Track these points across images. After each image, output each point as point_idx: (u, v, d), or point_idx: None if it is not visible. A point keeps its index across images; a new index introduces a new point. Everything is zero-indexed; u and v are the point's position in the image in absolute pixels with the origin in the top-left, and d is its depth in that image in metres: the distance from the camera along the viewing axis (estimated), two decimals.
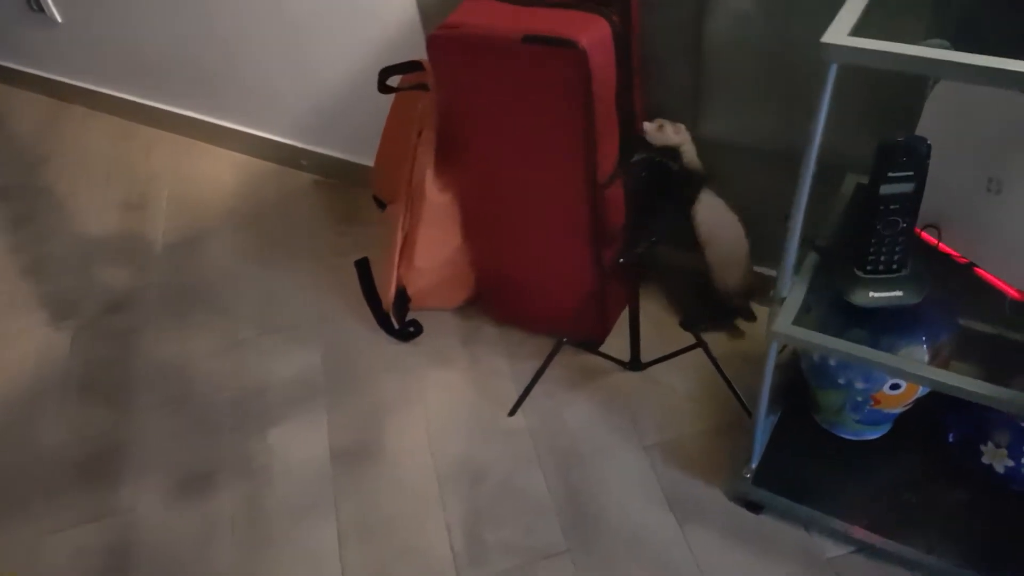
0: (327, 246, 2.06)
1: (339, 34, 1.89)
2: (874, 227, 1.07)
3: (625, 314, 1.70)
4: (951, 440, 1.36)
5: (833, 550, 1.33)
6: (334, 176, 2.25)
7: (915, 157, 1.01)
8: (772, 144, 1.49)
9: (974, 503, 1.30)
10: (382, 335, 1.79)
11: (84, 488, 1.59)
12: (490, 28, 1.30)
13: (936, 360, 1.14)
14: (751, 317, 1.70)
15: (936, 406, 1.33)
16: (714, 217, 1.54)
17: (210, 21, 2.10)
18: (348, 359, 1.77)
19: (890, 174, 1.03)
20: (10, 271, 2.14)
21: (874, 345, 1.11)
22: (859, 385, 1.29)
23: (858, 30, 0.89)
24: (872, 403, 1.31)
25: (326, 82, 2.03)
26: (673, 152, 1.47)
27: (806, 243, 1.22)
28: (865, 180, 1.29)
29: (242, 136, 2.36)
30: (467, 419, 1.61)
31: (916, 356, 1.13)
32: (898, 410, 1.35)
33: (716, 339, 1.67)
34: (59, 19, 2.46)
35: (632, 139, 1.34)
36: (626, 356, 1.64)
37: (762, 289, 1.65)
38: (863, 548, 1.33)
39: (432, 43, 1.36)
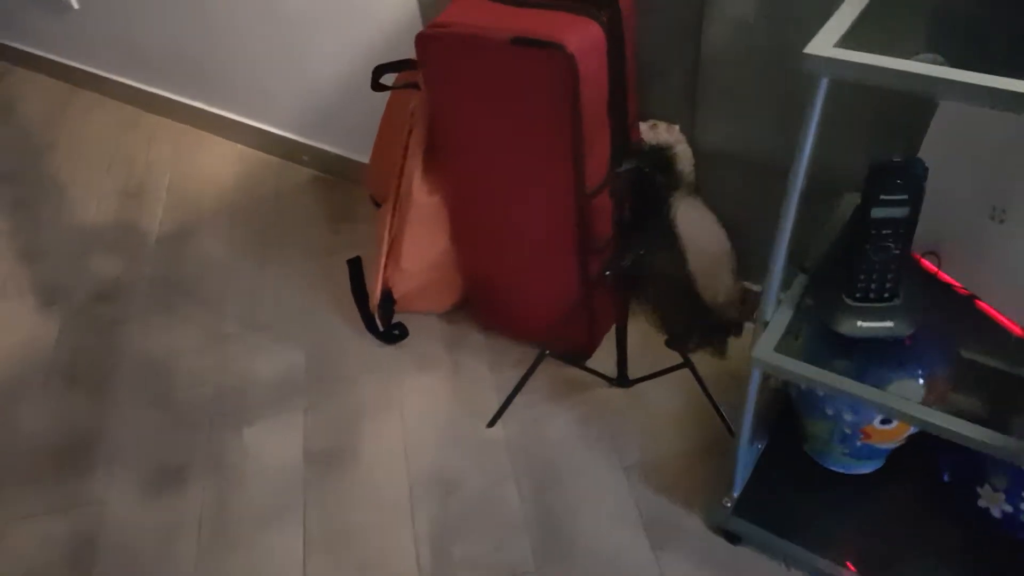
0: (321, 243, 2.03)
1: (340, 30, 1.86)
2: (864, 252, 1.01)
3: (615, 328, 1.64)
4: (946, 480, 1.29)
5: None
6: (334, 172, 2.22)
7: (910, 179, 0.95)
8: (770, 158, 1.43)
9: (968, 548, 1.23)
10: (368, 336, 1.75)
11: (58, 476, 1.57)
12: (479, 28, 1.25)
13: (933, 396, 1.08)
14: (739, 332, 1.64)
15: (931, 443, 1.25)
16: (695, 224, 1.49)
17: (216, 13, 2.08)
18: (331, 359, 1.73)
19: (883, 196, 0.96)
20: (6, 255, 2.14)
21: (864, 377, 1.05)
22: (847, 417, 1.23)
23: (849, 41, 0.83)
24: (861, 437, 1.25)
25: (327, 78, 2.00)
26: (666, 154, 1.42)
27: (795, 264, 1.16)
28: None
29: (245, 128, 2.35)
30: (445, 427, 1.57)
31: (910, 391, 1.07)
32: (890, 445, 1.28)
33: (705, 357, 1.61)
34: (75, 5, 2.46)
35: (624, 147, 1.28)
36: (614, 371, 1.58)
37: (753, 306, 1.58)
38: None
39: (420, 42, 1.32)
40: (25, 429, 1.67)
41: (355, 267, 1.81)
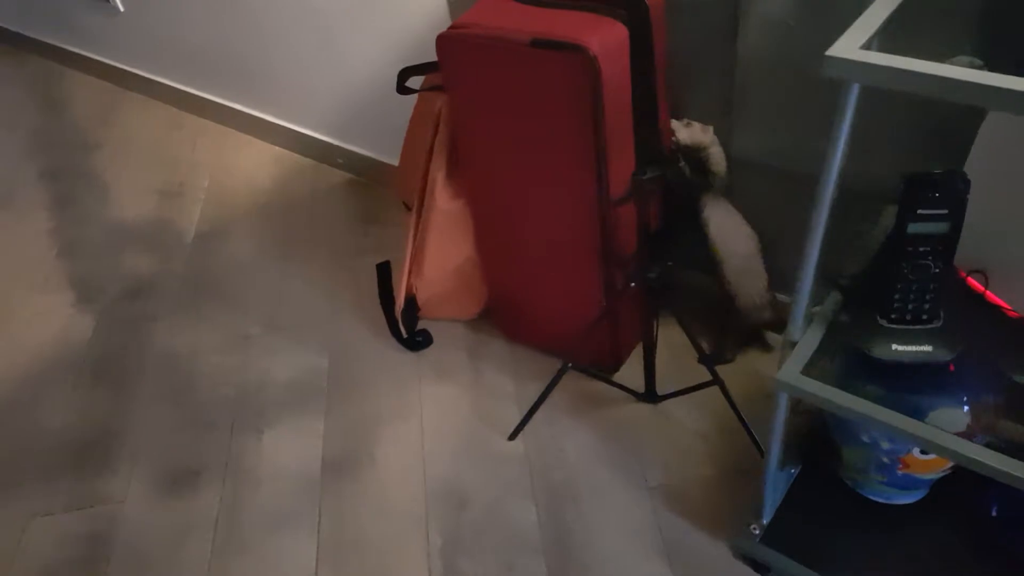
0: (350, 246, 2.01)
1: (375, 31, 1.85)
2: (900, 270, 0.93)
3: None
4: (995, 515, 1.19)
5: None
6: (367, 175, 2.21)
7: (949, 193, 0.87)
8: (808, 166, 1.35)
9: None
10: (391, 342, 1.72)
11: (78, 473, 1.58)
12: (500, 29, 1.21)
13: (979, 424, 0.99)
14: (781, 330, 1.56)
15: (979, 474, 1.17)
16: (726, 226, 1.43)
17: (254, 16, 2.09)
18: (352, 364, 1.70)
19: (920, 211, 0.89)
20: (48, 251, 2.18)
21: (902, 404, 0.97)
22: (885, 446, 1.14)
23: (878, 42, 0.76)
24: (900, 466, 1.16)
25: (362, 81, 1.99)
26: (699, 154, 1.35)
27: (829, 280, 1.09)
28: None
29: (282, 130, 2.35)
30: (464, 439, 1.52)
31: (952, 420, 0.98)
32: (933, 476, 1.19)
33: (740, 375, 1.53)
34: (121, 8, 2.50)
35: (650, 154, 1.22)
36: (641, 386, 1.52)
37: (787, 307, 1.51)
38: None
39: (440, 43, 1.28)
40: (50, 424, 1.69)
41: (384, 272, 1.78)
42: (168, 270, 2.04)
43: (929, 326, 0.97)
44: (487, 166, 1.40)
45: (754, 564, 1.27)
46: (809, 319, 1.05)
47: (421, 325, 1.73)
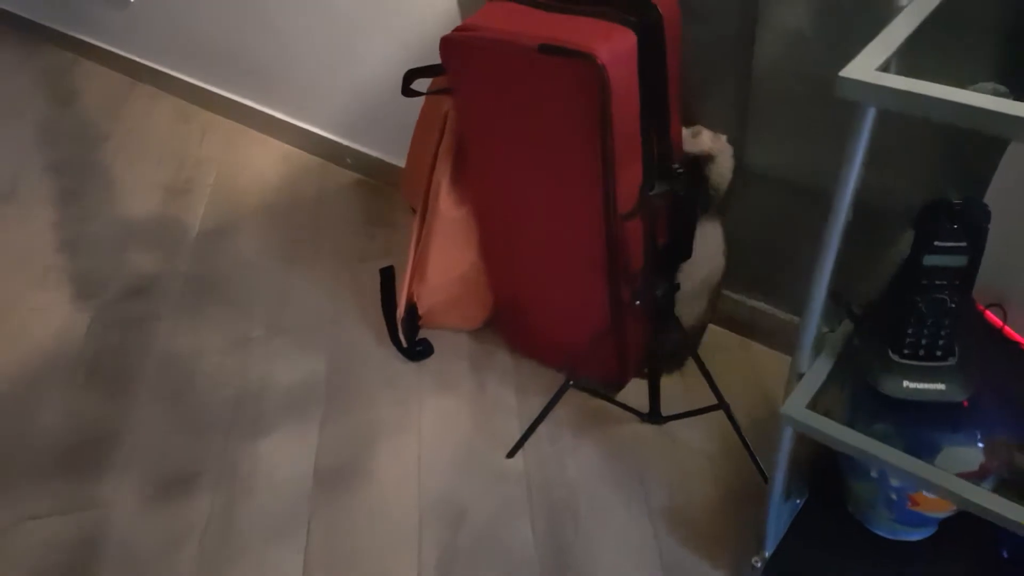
0: (355, 248, 1.98)
1: (386, 31, 1.81)
2: (914, 304, 0.88)
3: None
4: (1005, 556, 1.14)
5: None
6: (376, 176, 2.17)
7: (969, 224, 0.82)
8: (823, 183, 1.30)
9: None
10: (392, 350, 1.69)
11: (68, 476, 1.56)
12: (506, 33, 1.17)
13: (994, 461, 0.95)
14: (678, 367, 1.56)
15: None
16: (707, 249, 1.38)
17: (267, 11, 2.06)
18: (352, 371, 1.67)
19: (937, 243, 0.84)
20: (48, 246, 2.15)
21: (913, 441, 0.92)
22: (894, 483, 1.09)
23: (896, 64, 0.71)
24: (909, 503, 1.11)
25: (373, 81, 1.95)
26: (701, 166, 1.30)
27: (841, 306, 1.04)
28: None
29: (292, 128, 2.32)
30: (462, 453, 1.49)
31: (965, 459, 0.94)
32: (943, 514, 1.14)
33: (748, 396, 1.49)
34: None
35: (659, 168, 1.18)
36: (646, 406, 1.47)
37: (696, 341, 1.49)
38: None
39: (445, 46, 1.24)
40: (43, 425, 1.67)
41: (387, 276, 1.74)
42: (171, 268, 2.02)
43: (943, 363, 0.92)
44: (491, 173, 1.36)
45: None
46: (817, 348, 1.00)
47: (423, 334, 1.69)
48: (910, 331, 0.91)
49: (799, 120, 1.28)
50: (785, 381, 1.46)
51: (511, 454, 1.47)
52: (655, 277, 1.26)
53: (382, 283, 1.74)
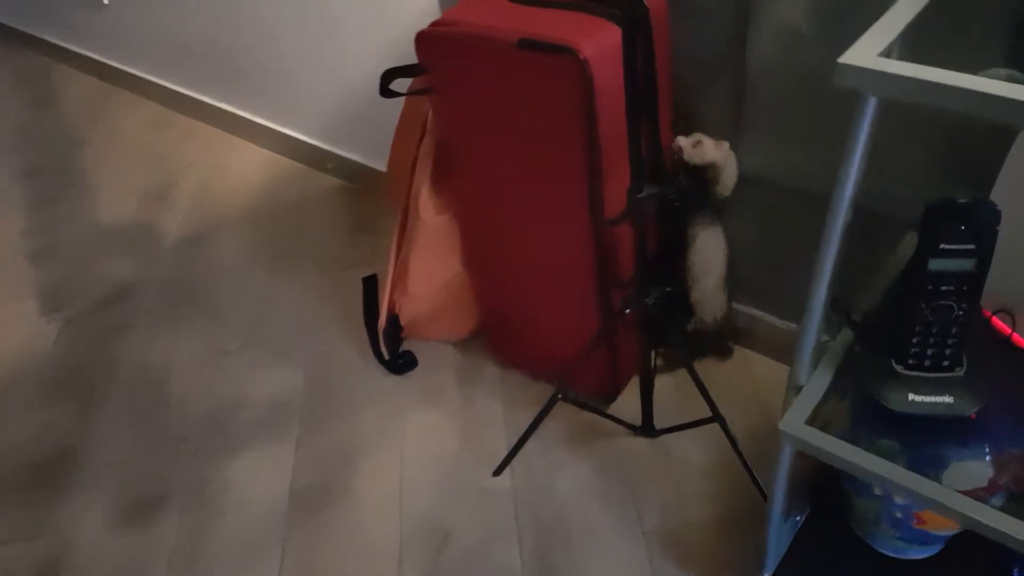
0: (337, 256, 1.92)
1: (368, 33, 1.76)
2: (919, 311, 0.82)
3: None
4: (1016, 575, 1.08)
5: None
6: (358, 181, 2.12)
7: (977, 225, 0.76)
8: (824, 186, 1.24)
9: None
10: (374, 362, 1.62)
11: (30, 498, 1.49)
12: (484, 28, 1.11)
13: (1004, 477, 0.89)
14: (727, 353, 1.55)
15: None
16: (711, 247, 1.35)
17: (245, 12, 2.01)
18: (331, 386, 1.60)
19: (943, 246, 0.78)
20: (19, 254, 2.09)
21: (919, 456, 0.86)
22: (899, 500, 1.03)
23: (899, 50, 0.65)
24: (915, 521, 1.05)
25: (354, 84, 1.90)
26: (708, 175, 1.25)
27: (840, 314, 0.98)
28: None
29: (272, 133, 2.27)
30: (447, 472, 1.42)
31: (975, 473, 0.88)
32: (950, 532, 1.08)
33: (743, 408, 1.42)
34: (105, 0, 2.42)
35: (647, 169, 1.12)
36: (638, 419, 1.41)
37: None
38: None
39: (420, 42, 1.18)
40: (7, 441, 1.60)
41: (370, 285, 1.68)
42: (146, 277, 1.95)
43: (951, 374, 0.86)
44: (473, 177, 1.30)
45: None
46: (816, 358, 0.94)
47: (407, 345, 1.63)
48: (915, 340, 0.85)
49: (795, 120, 1.22)
50: (782, 392, 1.41)
51: (498, 472, 1.41)
52: (646, 284, 1.20)
53: (364, 292, 1.68)
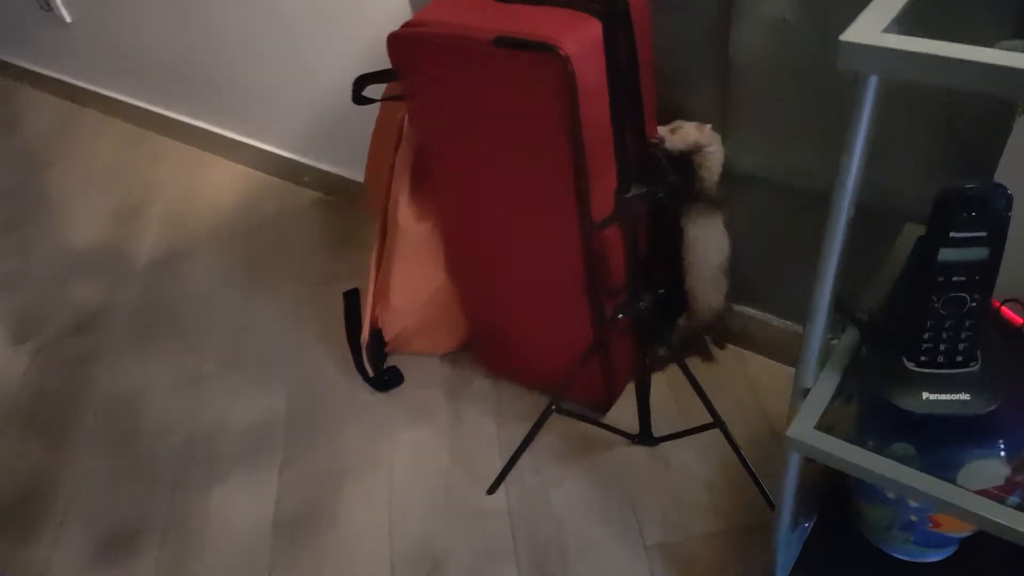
0: (317, 271, 1.86)
1: (340, 43, 1.71)
2: (930, 305, 0.78)
3: None
4: None
5: None
6: (336, 194, 2.06)
7: (989, 212, 0.72)
8: (815, 181, 1.20)
9: None
10: (358, 380, 1.56)
11: (4, 534, 1.42)
12: (459, 27, 1.06)
13: (1021, 477, 0.84)
14: (721, 343, 1.51)
15: None
16: (707, 235, 1.30)
17: (213, 27, 1.95)
18: (314, 407, 1.54)
19: (953, 234, 0.73)
20: None
21: (934, 457, 0.82)
22: (913, 503, 0.99)
23: (904, 24, 0.61)
24: (930, 524, 1.01)
25: (327, 94, 1.85)
26: (692, 159, 1.21)
27: (845, 313, 0.93)
28: None
29: (246, 148, 2.21)
30: (438, 492, 1.36)
31: (991, 472, 0.83)
32: (966, 533, 1.03)
33: (744, 413, 1.38)
34: (68, 19, 2.36)
35: (635, 168, 1.07)
36: (635, 427, 1.36)
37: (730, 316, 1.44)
38: None
39: (392, 44, 1.13)
40: None
41: (351, 300, 1.62)
42: (116, 301, 1.88)
43: (965, 370, 0.82)
44: (454, 184, 1.25)
45: None
46: (823, 360, 0.90)
47: (392, 360, 1.57)
48: (927, 336, 0.80)
49: (783, 114, 1.18)
50: (783, 394, 1.35)
51: (492, 490, 1.35)
52: (639, 288, 1.15)
53: (346, 308, 1.62)
